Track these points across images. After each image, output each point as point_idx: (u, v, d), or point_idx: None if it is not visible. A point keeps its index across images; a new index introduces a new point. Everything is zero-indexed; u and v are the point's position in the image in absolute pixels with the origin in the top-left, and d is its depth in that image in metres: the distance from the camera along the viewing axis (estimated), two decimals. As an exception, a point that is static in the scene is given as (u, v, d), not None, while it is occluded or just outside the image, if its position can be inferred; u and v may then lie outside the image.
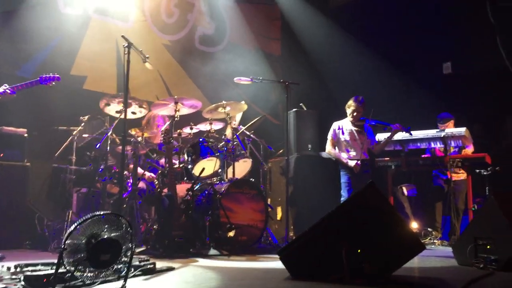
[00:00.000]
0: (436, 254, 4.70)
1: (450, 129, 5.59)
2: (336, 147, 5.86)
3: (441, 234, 5.88)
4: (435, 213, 6.07)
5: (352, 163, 5.62)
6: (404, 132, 5.56)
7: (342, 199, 5.61)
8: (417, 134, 5.63)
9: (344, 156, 5.74)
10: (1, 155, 5.08)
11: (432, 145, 5.67)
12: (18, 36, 5.89)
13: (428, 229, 5.94)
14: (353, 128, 5.79)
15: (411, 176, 6.26)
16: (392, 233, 3.14)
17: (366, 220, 3.10)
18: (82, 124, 5.53)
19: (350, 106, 5.76)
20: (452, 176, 5.77)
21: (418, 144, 5.71)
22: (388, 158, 5.83)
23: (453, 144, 5.65)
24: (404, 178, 6.30)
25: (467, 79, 6.89)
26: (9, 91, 4.31)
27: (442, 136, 5.48)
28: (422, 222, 6.13)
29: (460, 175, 5.85)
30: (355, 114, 5.73)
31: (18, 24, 5.89)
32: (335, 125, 5.93)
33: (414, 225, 5.91)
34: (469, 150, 5.86)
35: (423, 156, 6.08)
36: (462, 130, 5.46)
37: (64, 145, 5.54)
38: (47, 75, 4.28)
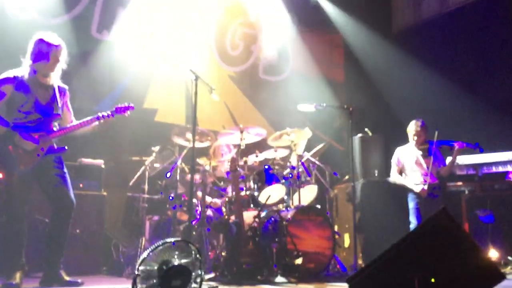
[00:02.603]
0: (519, 285, 4.38)
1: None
2: (402, 173, 5.71)
3: (524, 263, 5.50)
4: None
5: (418, 188, 5.44)
6: (475, 150, 5.31)
7: (411, 226, 5.42)
8: (491, 157, 5.37)
9: (409, 181, 5.57)
10: (81, 185, 5.39)
11: (509, 168, 5.37)
12: (96, 74, 6.31)
13: (509, 257, 5.57)
14: (417, 152, 5.63)
15: (487, 201, 5.93)
16: (468, 262, 2.99)
17: (439, 248, 2.98)
18: (154, 154, 5.78)
19: (410, 130, 5.64)
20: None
21: (493, 168, 5.43)
22: (461, 183, 5.58)
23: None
24: (479, 204, 5.98)
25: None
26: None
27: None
28: (502, 251, 5.76)
29: None
30: (416, 137, 5.59)
31: (96, 63, 6.32)
32: (398, 150, 5.80)
33: (493, 254, 5.56)
34: None
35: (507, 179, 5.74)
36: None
37: (137, 174, 5.80)
38: (121, 105, 4.41)
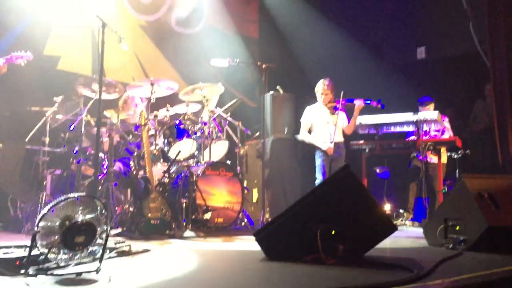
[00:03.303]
0: (408, 235, 4.83)
1: (423, 113, 5.69)
2: (311, 131, 5.92)
3: (412, 215, 6.04)
4: (409, 194, 6.23)
5: (325, 146, 5.69)
6: (376, 106, 5.65)
7: (317, 181, 5.69)
8: (391, 118, 5.72)
9: (317, 139, 5.80)
10: None
11: (406, 128, 5.77)
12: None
13: (400, 210, 6.09)
14: (325, 111, 5.85)
15: (385, 159, 6.38)
16: (366, 215, 3.21)
17: (341, 202, 3.16)
18: (56, 105, 5.42)
19: (318, 89, 5.83)
20: (430, 158, 5.94)
21: (392, 128, 5.81)
22: (362, 142, 5.92)
23: (426, 127, 5.75)
24: (378, 161, 6.42)
25: (441, 64, 7.01)
26: None
27: (415, 120, 5.59)
28: (395, 204, 6.28)
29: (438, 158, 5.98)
30: (323, 96, 5.80)
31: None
32: (307, 109, 5.98)
33: (387, 207, 6.05)
34: (447, 135, 6.04)
35: (406, 139, 6.17)
36: (435, 114, 5.57)
37: (37, 126, 5.43)
38: (16, 54, 3.97)
